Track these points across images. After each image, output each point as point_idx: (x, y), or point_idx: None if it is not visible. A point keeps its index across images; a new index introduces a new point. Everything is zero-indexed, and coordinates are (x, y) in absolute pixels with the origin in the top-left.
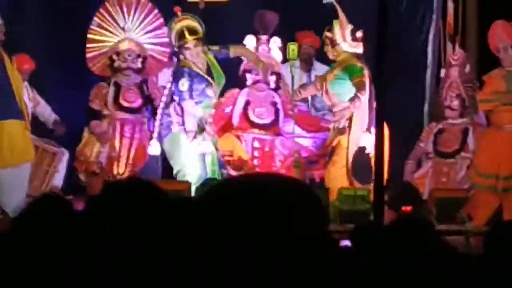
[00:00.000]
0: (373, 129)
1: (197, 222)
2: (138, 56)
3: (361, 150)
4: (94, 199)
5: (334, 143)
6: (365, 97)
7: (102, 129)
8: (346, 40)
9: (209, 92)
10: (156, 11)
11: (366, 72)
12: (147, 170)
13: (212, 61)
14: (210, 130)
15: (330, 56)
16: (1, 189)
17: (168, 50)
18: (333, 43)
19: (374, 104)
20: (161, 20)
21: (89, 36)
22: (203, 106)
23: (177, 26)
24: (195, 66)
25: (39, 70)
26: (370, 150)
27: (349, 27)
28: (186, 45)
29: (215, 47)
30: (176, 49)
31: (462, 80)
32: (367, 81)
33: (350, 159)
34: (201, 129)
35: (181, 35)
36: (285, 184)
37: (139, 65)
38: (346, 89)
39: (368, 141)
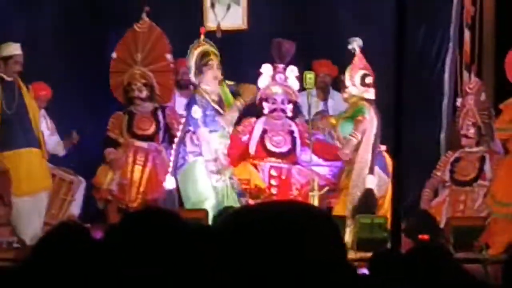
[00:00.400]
0: (376, 169)
1: (214, 248)
2: (145, 85)
3: (368, 192)
4: (113, 228)
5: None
6: (369, 139)
7: (115, 156)
8: (355, 84)
9: (221, 122)
10: (165, 40)
11: (368, 113)
12: (166, 199)
13: (226, 92)
14: (225, 161)
15: (343, 98)
16: (19, 217)
17: (173, 77)
18: (344, 86)
19: (379, 147)
20: (169, 48)
21: (111, 67)
22: (218, 135)
23: (201, 47)
24: (208, 94)
25: (59, 99)
26: (376, 192)
27: (360, 72)
28: (210, 62)
29: (230, 83)
30: (194, 75)
31: (478, 109)
32: (367, 123)
33: (353, 199)
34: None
35: (204, 54)
36: (301, 210)
37: (146, 94)
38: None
39: (372, 183)
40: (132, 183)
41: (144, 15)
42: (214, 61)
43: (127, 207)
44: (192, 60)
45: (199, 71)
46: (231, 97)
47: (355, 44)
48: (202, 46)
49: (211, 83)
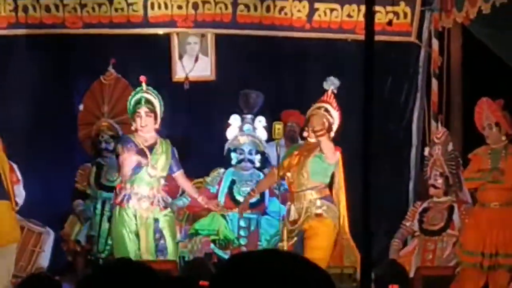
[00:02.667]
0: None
1: None
2: (112, 137)
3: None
4: (84, 280)
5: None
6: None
7: (83, 207)
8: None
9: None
10: (131, 92)
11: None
12: None
13: (163, 148)
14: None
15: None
16: None
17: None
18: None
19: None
20: None
21: (78, 119)
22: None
23: (137, 95)
24: (138, 138)
25: (27, 150)
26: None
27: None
28: (138, 110)
29: (175, 155)
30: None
31: (445, 159)
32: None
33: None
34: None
35: (137, 102)
36: (293, 260)
37: (113, 145)
38: (322, 169)
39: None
40: (101, 234)
41: (110, 67)
42: (142, 109)
43: (96, 259)
44: (129, 107)
45: (132, 119)
46: (165, 151)
47: (331, 84)
48: (141, 93)
49: (144, 131)
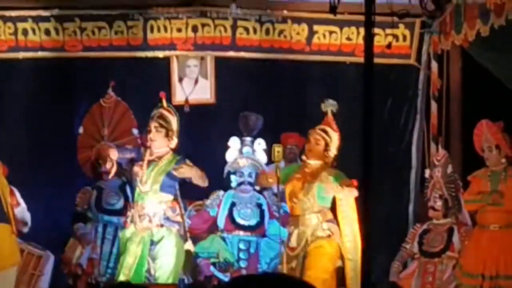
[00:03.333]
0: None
1: None
2: (111, 160)
3: None
4: None
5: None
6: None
7: (84, 231)
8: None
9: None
10: (131, 115)
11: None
12: None
13: (164, 165)
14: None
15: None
16: None
17: (133, 154)
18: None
19: None
20: (135, 123)
21: (78, 142)
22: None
23: (154, 110)
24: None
25: (27, 173)
26: None
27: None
28: (149, 125)
29: (189, 163)
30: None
31: (445, 181)
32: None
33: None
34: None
35: (151, 117)
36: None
37: (114, 168)
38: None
39: None
40: (101, 257)
41: (110, 90)
42: (152, 124)
43: (97, 282)
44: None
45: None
46: (167, 167)
47: (329, 106)
48: (156, 109)
49: (154, 146)
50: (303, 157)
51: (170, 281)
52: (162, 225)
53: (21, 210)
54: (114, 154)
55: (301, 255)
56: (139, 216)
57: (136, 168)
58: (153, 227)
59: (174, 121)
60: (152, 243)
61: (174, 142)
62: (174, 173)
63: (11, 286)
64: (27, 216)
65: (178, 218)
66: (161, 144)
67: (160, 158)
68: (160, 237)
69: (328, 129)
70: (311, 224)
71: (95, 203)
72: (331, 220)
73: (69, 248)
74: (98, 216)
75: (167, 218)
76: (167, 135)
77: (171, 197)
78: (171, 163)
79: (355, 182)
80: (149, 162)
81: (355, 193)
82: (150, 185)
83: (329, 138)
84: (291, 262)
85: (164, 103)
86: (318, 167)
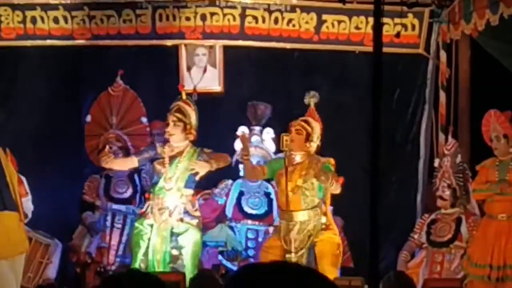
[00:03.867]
0: None
1: None
2: (120, 148)
3: None
4: None
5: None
6: None
7: (92, 220)
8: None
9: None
10: (140, 103)
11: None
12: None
13: (190, 155)
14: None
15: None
16: None
17: (148, 140)
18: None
19: None
20: (144, 112)
21: (85, 130)
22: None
23: (173, 103)
24: (168, 146)
25: (34, 162)
26: None
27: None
28: (168, 119)
29: (208, 150)
30: None
31: (453, 171)
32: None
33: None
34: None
35: (169, 110)
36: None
37: (121, 157)
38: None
39: None
40: (111, 246)
41: (118, 78)
42: (170, 118)
43: (105, 270)
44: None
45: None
46: (186, 164)
47: (310, 98)
48: (175, 102)
49: (173, 140)
50: (286, 149)
51: (192, 270)
52: (181, 220)
53: (26, 201)
54: (133, 162)
55: (305, 251)
56: (158, 209)
57: (158, 166)
58: (172, 221)
59: (192, 115)
60: (173, 234)
61: (193, 135)
62: (193, 167)
63: (19, 274)
64: (30, 208)
65: (197, 213)
66: (180, 138)
67: (181, 153)
68: (183, 229)
69: (309, 119)
70: (311, 218)
71: (103, 192)
72: (325, 213)
73: (77, 237)
74: (107, 205)
75: (187, 213)
76: (185, 129)
77: (191, 191)
78: (193, 157)
79: (341, 180)
80: (171, 158)
81: (338, 189)
82: (174, 183)
83: (311, 128)
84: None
85: (184, 96)
86: (303, 158)
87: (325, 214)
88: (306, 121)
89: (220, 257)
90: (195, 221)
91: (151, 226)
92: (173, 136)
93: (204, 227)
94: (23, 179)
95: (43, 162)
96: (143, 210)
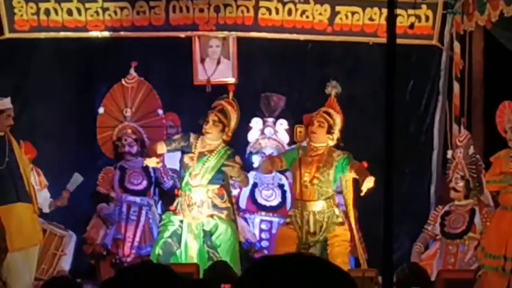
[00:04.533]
0: None
1: None
2: (136, 140)
3: None
4: (107, 282)
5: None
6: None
7: (107, 212)
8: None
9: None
10: (155, 95)
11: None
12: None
13: (216, 159)
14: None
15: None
16: (10, 272)
17: (165, 132)
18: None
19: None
20: (159, 104)
21: (98, 122)
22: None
23: (219, 102)
24: (202, 141)
25: (48, 154)
26: None
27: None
28: (209, 117)
29: (238, 161)
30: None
31: (466, 162)
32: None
33: None
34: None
35: (213, 109)
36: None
37: (137, 149)
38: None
39: None
40: (126, 238)
41: (132, 70)
42: (211, 116)
43: (121, 262)
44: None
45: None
46: (214, 164)
47: (332, 88)
48: (219, 101)
49: (209, 138)
50: (308, 140)
51: (234, 265)
52: (212, 215)
53: (46, 193)
54: (162, 148)
55: (320, 241)
56: (188, 206)
57: (186, 160)
58: (203, 218)
59: (234, 117)
60: (204, 232)
61: (229, 137)
62: (224, 168)
63: (33, 265)
64: (48, 199)
65: (226, 204)
66: (215, 137)
67: (211, 151)
68: (213, 227)
69: (331, 111)
70: (325, 210)
71: (118, 183)
72: (337, 205)
73: (91, 228)
74: (122, 197)
75: (215, 206)
76: (223, 130)
77: (217, 186)
78: (222, 158)
79: (365, 164)
80: (200, 154)
81: (371, 181)
82: (199, 180)
83: (332, 121)
84: (311, 248)
85: (230, 96)
86: (324, 149)
87: (337, 206)
88: (328, 113)
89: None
90: (224, 213)
91: (181, 222)
92: (209, 135)
93: None
94: (40, 171)
95: (56, 154)
96: (173, 207)
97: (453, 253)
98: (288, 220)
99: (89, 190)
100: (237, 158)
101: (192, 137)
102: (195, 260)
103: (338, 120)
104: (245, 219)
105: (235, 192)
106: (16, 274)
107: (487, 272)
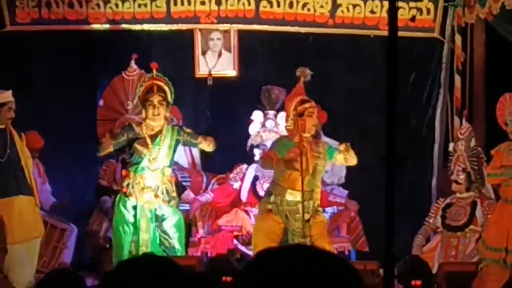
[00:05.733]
0: None
1: None
2: None
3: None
4: (109, 274)
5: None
6: None
7: (109, 205)
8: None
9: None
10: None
11: None
12: None
13: (171, 134)
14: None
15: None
16: (11, 265)
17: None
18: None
19: None
20: None
21: (98, 115)
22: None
23: (149, 82)
24: (145, 127)
25: (49, 146)
26: None
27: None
28: (151, 99)
29: (188, 130)
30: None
31: (468, 155)
32: None
33: None
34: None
35: (149, 90)
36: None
37: None
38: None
39: None
40: None
41: (132, 63)
42: (154, 97)
43: None
44: (138, 95)
45: (143, 107)
46: (169, 142)
47: (302, 74)
48: (152, 80)
49: (153, 119)
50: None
51: (183, 253)
52: (168, 201)
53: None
54: (109, 146)
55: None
56: (141, 189)
57: (139, 147)
58: (157, 202)
59: (169, 92)
60: (156, 216)
61: (170, 113)
62: (200, 146)
63: (34, 258)
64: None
65: (174, 194)
66: (162, 117)
67: (159, 131)
68: (167, 212)
69: (310, 100)
70: (314, 199)
71: (120, 176)
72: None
73: (94, 221)
74: None
75: (167, 193)
76: (167, 107)
77: (170, 171)
78: (173, 135)
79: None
80: (151, 137)
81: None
82: (160, 163)
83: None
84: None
85: (154, 74)
86: (311, 139)
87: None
88: (309, 101)
89: (235, 241)
90: (174, 202)
91: (134, 208)
92: (158, 116)
93: (219, 212)
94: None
95: (58, 147)
96: (126, 189)
97: (454, 246)
98: (270, 206)
99: (91, 183)
100: (186, 129)
101: (134, 124)
102: (147, 244)
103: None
104: (247, 212)
105: (236, 185)
106: (17, 266)
107: (488, 265)
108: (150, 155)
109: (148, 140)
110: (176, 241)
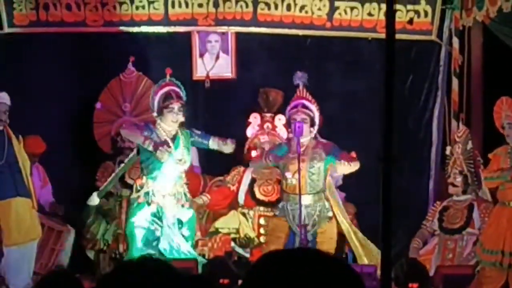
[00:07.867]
0: None
1: None
2: None
3: None
4: (106, 276)
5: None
6: None
7: (107, 207)
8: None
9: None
10: (153, 90)
11: None
12: None
13: (184, 137)
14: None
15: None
16: (8, 267)
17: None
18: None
19: None
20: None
21: (94, 117)
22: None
23: (166, 88)
24: (162, 130)
25: (48, 148)
26: None
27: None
28: (171, 106)
29: (198, 132)
30: (156, 113)
31: (464, 157)
32: None
33: None
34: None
35: (167, 97)
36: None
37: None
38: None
39: None
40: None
41: (130, 65)
42: (175, 104)
43: (121, 257)
44: (156, 100)
45: (160, 113)
46: (186, 144)
47: (299, 79)
48: (167, 86)
49: (170, 125)
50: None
51: (194, 255)
52: (189, 205)
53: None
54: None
55: (314, 233)
56: (163, 196)
57: (160, 154)
58: (178, 206)
59: (184, 97)
60: (180, 222)
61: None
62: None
63: (31, 260)
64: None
65: (189, 196)
66: (178, 123)
67: (175, 135)
68: (187, 215)
69: (307, 103)
70: (317, 203)
71: (118, 178)
72: (327, 198)
73: (91, 223)
74: (122, 191)
75: (185, 196)
76: (184, 113)
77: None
78: (187, 138)
79: (354, 154)
80: (166, 141)
81: (358, 165)
82: (187, 165)
83: (313, 113)
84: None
85: (168, 78)
86: (307, 143)
87: (327, 199)
88: (306, 107)
89: (232, 243)
90: (190, 204)
91: (154, 215)
92: (177, 123)
93: (216, 214)
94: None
95: (55, 149)
96: (142, 198)
97: (451, 249)
98: (277, 212)
99: (87, 184)
100: (195, 130)
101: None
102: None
103: (315, 110)
104: (244, 214)
105: (233, 187)
106: (14, 268)
107: (485, 268)
108: (176, 157)
109: (171, 143)
110: (190, 243)
